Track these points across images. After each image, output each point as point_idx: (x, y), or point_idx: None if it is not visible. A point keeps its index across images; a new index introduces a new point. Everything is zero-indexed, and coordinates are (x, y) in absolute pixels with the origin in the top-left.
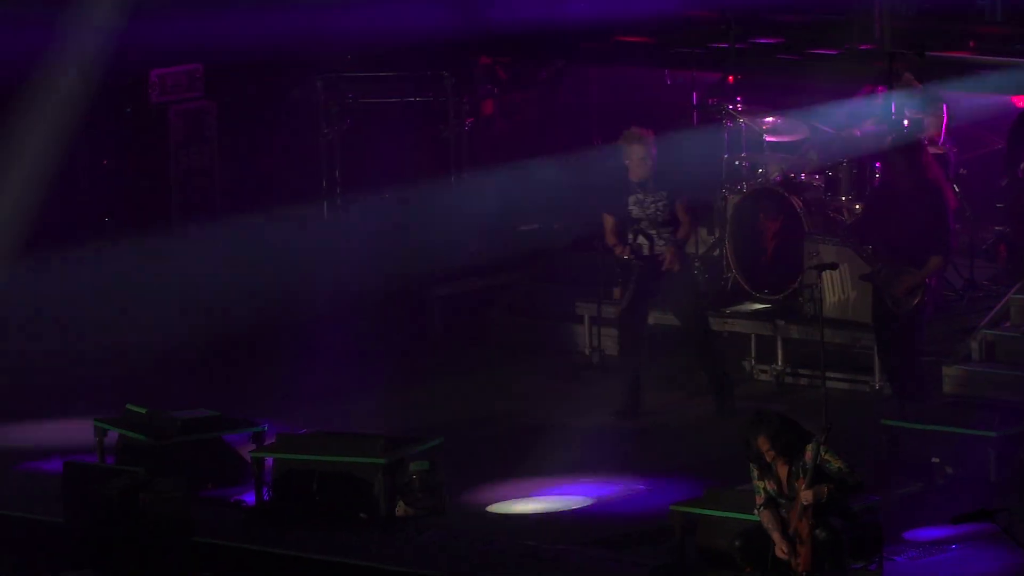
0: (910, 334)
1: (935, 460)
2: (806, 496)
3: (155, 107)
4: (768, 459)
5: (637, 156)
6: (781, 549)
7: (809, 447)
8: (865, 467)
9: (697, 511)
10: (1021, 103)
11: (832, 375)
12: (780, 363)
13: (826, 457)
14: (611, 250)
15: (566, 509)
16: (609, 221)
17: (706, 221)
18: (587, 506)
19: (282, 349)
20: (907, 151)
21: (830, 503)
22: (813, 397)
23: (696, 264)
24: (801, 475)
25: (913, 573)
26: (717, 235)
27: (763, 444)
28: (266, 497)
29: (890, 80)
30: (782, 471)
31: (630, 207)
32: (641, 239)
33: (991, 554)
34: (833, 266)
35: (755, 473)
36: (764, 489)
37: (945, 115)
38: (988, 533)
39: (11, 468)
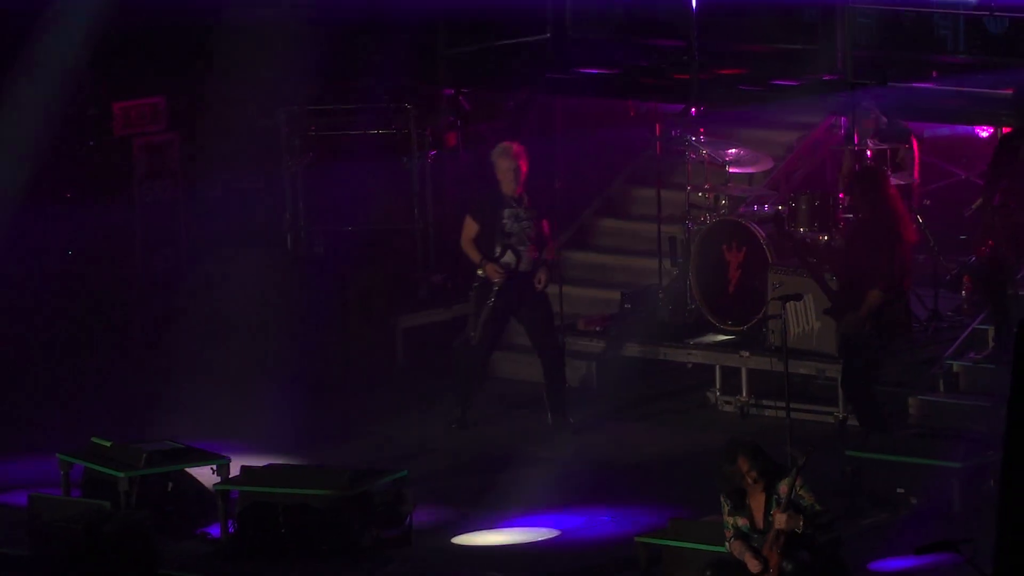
0: (866, 365)
1: (900, 491)
2: (780, 520)
3: (118, 140)
4: (749, 481)
5: (505, 169)
6: (754, 565)
7: (784, 481)
8: (830, 498)
9: (662, 542)
10: (985, 134)
11: (797, 406)
12: (744, 394)
13: (800, 492)
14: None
15: (531, 541)
16: (472, 228)
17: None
18: (552, 537)
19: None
20: (864, 181)
21: (801, 537)
22: (778, 428)
23: (660, 295)
24: (775, 507)
25: None
26: (680, 266)
27: (743, 464)
28: (231, 530)
29: (853, 111)
30: (757, 502)
31: (505, 220)
32: (510, 255)
33: None
34: (797, 297)
35: (726, 508)
36: (734, 525)
37: (915, 146)
38: (952, 564)
39: None
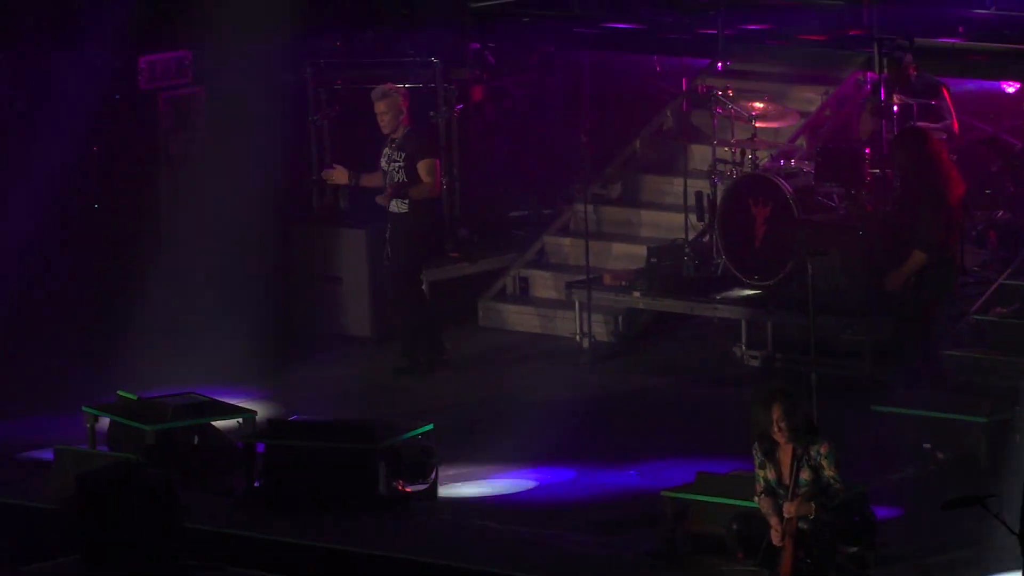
0: (909, 323)
1: (927, 446)
2: (789, 510)
3: (144, 94)
4: (776, 432)
5: (380, 111)
6: (778, 536)
7: (813, 447)
8: (856, 453)
9: (689, 496)
10: (1011, 89)
11: (822, 361)
12: (770, 349)
13: (823, 463)
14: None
15: (556, 495)
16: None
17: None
18: (578, 492)
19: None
20: (904, 142)
21: (813, 536)
22: (803, 383)
23: (686, 250)
24: (801, 467)
25: None
26: (707, 221)
27: (776, 412)
28: (257, 483)
29: (880, 66)
30: (785, 457)
31: (382, 159)
32: (385, 195)
33: None
34: (823, 252)
35: (757, 460)
36: (764, 478)
37: (948, 97)
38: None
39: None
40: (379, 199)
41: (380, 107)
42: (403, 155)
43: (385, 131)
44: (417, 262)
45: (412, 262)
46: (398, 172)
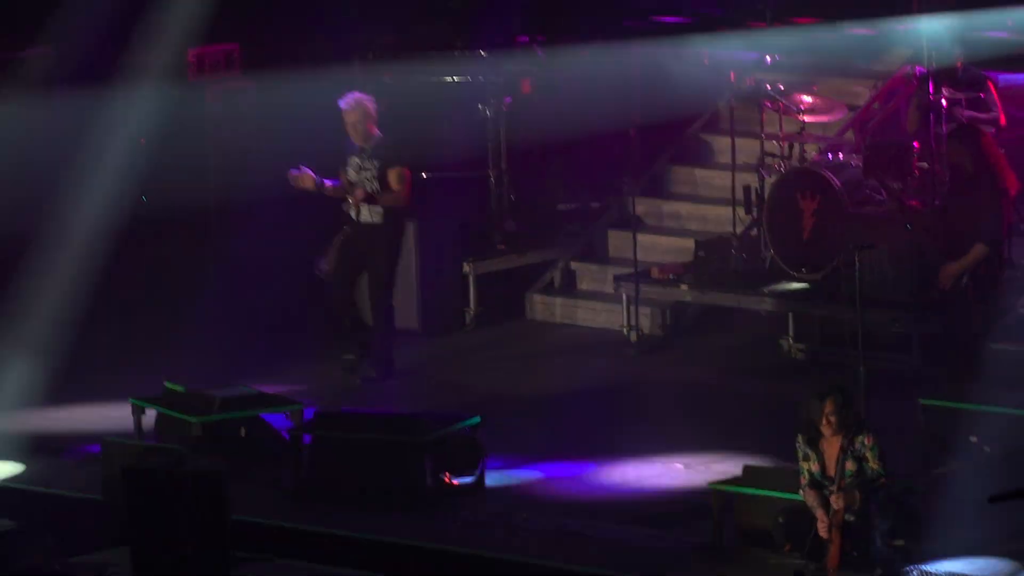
0: (962, 317)
1: (973, 439)
2: (836, 501)
3: (193, 86)
4: (825, 423)
5: (350, 121)
6: (824, 528)
7: (859, 438)
8: (902, 447)
9: (735, 489)
10: None
11: (870, 354)
12: (818, 342)
13: (868, 455)
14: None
15: (605, 488)
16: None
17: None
18: (625, 485)
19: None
20: (961, 135)
21: (860, 528)
22: (850, 376)
23: (734, 243)
24: (847, 459)
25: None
26: (755, 215)
27: (829, 405)
28: (304, 476)
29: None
30: (831, 449)
31: (348, 168)
32: (351, 204)
33: None
34: (871, 245)
35: (800, 453)
36: (808, 470)
37: (994, 91)
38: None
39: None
40: (348, 207)
41: (352, 117)
42: (377, 164)
43: (358, 141)
44: (395, 270)
45: (391, 270)
46: (371, 181)
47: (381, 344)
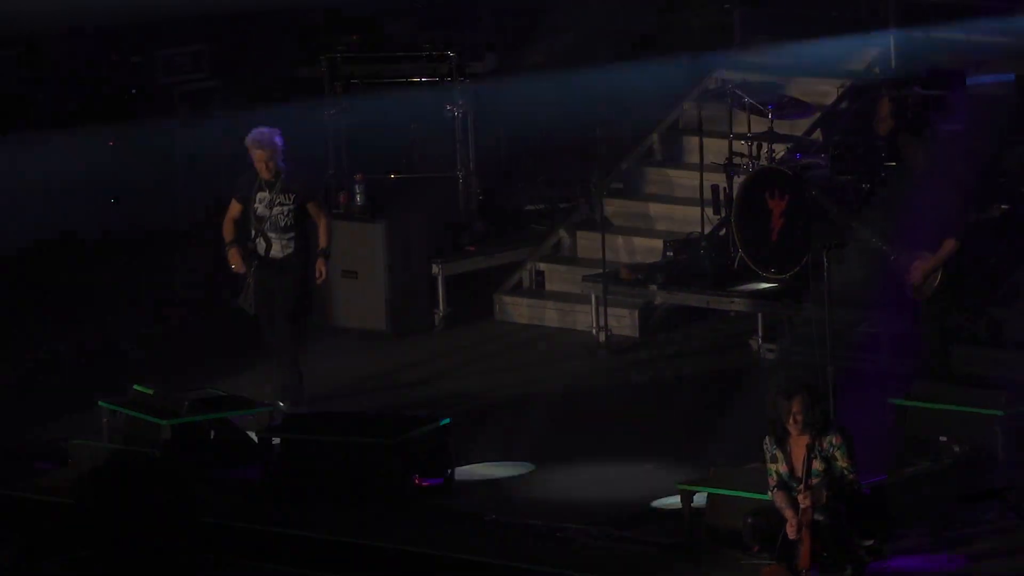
0: (935, 317)
1: (943, 439)
2: (803, 500)
3: (161, 87)
4: (792, 422)
5: (262, 158)
6: (794, 529)
7: (827, 438)
8: (873, 446)
9: (704, 489)
10: None
11: (838, 353)
12: (787, 342)
13: (837, 454)
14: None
15: (572, 489)
16: (235, 208)
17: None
18: (594, 486)
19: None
20: (923, 134)
21: (840, 488)
22: (820, 375)
23: (702, 243)
24: (814, 458)
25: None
26: (723, 215)
27: (796, 405)
28: (272, 477)
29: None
30: (798, 449)
31: (256, 204)
32: (260, 240)
33: None
34: (840, 245)
35: (768, 455)
36: (776, 472)
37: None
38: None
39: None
40: (256, 245)
41: (262, 155)
42: (292, 196)
43: (267, 176)
44: (306, 302)
45: (302, 303)
46: (286, 216)
47: (291, 374)
